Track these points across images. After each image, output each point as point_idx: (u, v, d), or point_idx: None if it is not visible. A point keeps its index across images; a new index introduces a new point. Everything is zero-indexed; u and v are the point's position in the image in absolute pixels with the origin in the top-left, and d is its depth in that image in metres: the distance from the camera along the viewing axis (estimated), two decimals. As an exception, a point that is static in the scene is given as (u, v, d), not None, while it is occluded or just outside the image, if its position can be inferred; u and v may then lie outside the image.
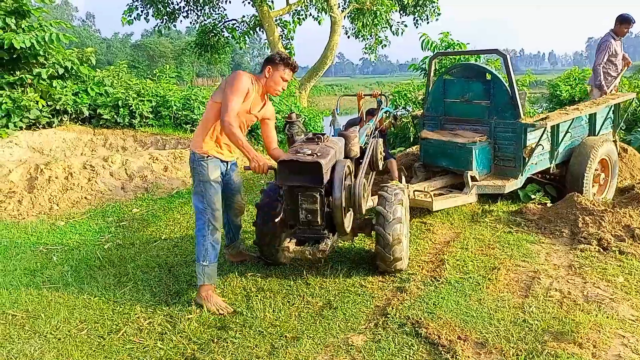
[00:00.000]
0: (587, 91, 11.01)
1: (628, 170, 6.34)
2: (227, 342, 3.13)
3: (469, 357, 2.83)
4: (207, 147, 3.53)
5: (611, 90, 6.97)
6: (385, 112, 5.47)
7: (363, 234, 4.23)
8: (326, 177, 3.30)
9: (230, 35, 17.67)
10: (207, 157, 3.52)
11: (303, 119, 11.31)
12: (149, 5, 15.43)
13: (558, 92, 15.80)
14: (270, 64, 3.53)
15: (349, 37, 16.67)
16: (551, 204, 5.24)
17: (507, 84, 5.05)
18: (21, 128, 8.69)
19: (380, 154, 4.34)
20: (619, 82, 7.28)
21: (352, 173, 3.76)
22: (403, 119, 8.50)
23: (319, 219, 3.36)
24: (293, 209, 3.40)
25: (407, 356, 2.88)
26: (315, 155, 3.30)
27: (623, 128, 9.43)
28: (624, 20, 6.62)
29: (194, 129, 9.90)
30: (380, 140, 4.36)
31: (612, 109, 6.03)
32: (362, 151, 4.17)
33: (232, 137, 3.37)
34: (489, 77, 5.29)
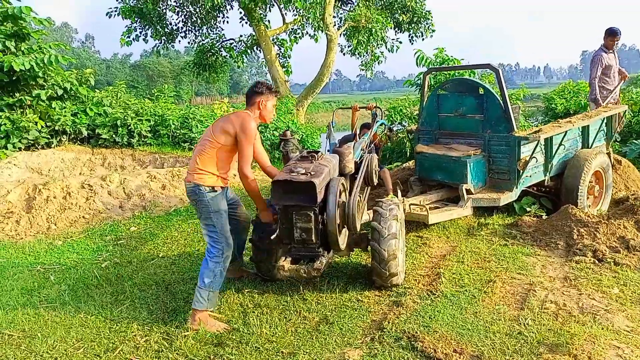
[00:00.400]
0: (584, 104, 11.15)
1: (623, 181, 6.38)
2: (223, 359, 3.14)
3: (464, 370, 2.83)
4: (213, 181, 3.57)
5: (608, 103, 7.07)
6: (381, 125, 5.52)
7: (359, 249, 4.25)
8: (320, 196, 3.32)
9: (228, 55, 17.87)
10: (215, 189, 3.58)
11: (300, 136, 11.39)
12: (147, 27, 15.61)
13: (553, 105, 15.96)
14: (261, 96, 3.65)
15: (344, 54, 16.86)
16: (546, 217, 5.27)
17: (499, 98, 5.12)
18: (20, 149, 8.75)
19: (375, 170, 4.37)
20: (619, 95, 7.40)
21: (346, 190, 3.79)
22: (399, 134, 8.56)
23: (313, 238, 3.37)
24: (288, 227, 3.42)
25: (403, 370, 2.89)
26: (309, 174, 3.33)
27: (618, 140, 9.54)
28: (610, 34, 6.84)
29: (192, 147, 9.98)
30: (375, 156, 4.40)
31: (605, 121, 6.09)
32: (357, 166, 4.21)
33: (249, 187, 3.59)
34: (481, 91, 5.36)
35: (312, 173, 3.35)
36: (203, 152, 3.57)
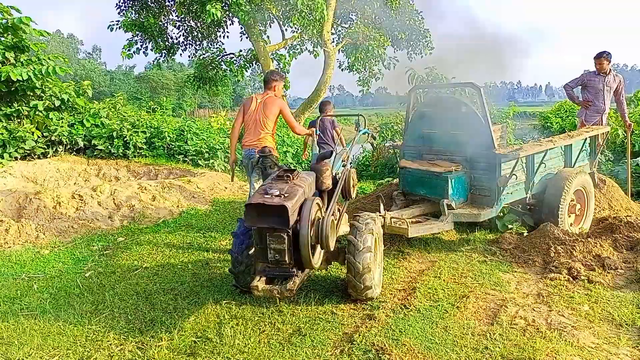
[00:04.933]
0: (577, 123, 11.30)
1: (606, 201, 6.43)
2: (194, 369, 3.19)
3: (427, 383, 2.87)
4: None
5: (596, 122, 7.15)
6: (364, 134, 5.58)
7: (337, 262, 4.30)
8: (293, 219, 3.36)
9: (228, 69, 18.09)
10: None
11: (295, 150, 11.53)
12: (148, 40, 15.84)
13: (549, 124, 16.07)
14: (275, 82, 5.28)
15: (342, 70, 17.03)
16: (527, 234, 5.32)
17: (481, 116, 5.20)
18: (16, 158, 8.90)
19: (353, 184, 4.44)
20: (606, 117, 7.48)
21: (321, 209, 3.84)
22: (389, 151, 8.65)
23: (287, 259, 3.42)
24: (262, 247, 3.48)
25: (367, 382, 2.93)
26: (282, 196, 3.38)
27: (611, 159, 9.59)
28: (595, 57, 6.96)
29: (187, 159, 10.12)
30: (353, 170, 4.47)
31: (588, 141, 6.17)
32: (336, 181, 4.28)
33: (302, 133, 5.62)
34: (464, 109, 5.45)
35: (286, 195, 3.40)
36: (267, 127, 5.07)
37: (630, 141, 7.69)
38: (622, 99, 7.14)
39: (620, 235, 4.97)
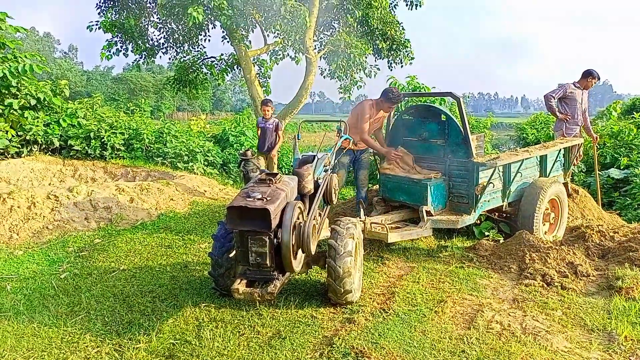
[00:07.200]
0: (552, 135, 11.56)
1: (579, 210, 6.62)
2: (172, 371, 3.17)
3: (405, 385, 2.91)
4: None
5: (575, 135, 7.34)
6: (345, 140, 5.62)
7: (318, 266, 4.32)
8: (275, 222, 3.37)
9: (209, 72, 17.99)
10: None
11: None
12: (128, 41, 15.64)
13: (524, 135, 16.44)
14: (379, 99, 5.80)
15: (324, 77, 17.10)
16: (503, 241, 5.44)
17: (460, 125, 5.32)
18: (-11, 157, 8.68)
19: (335, 189, 4.48)
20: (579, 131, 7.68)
21: (303, 212, 3.86)
22: (370, 157, 8.70)
23: (268, 262, 3.44)
24: (243, 250, 3.48)
25: (347, 384, 2.96)
26: (265, 199, 3.39)
27: (584, 170, 9.84)
28: (588, 74, 7.11)
29: (166, 162, 10.03)
30: (335, 176, 4.51)
31: (563, 152, 6.35)
32: (318, 185, 4.30)
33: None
34: (444, 118, 5.56)
35: (268, 198, 3.41)
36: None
37: (597, 153, 7.93)
38: (587, 115, 7.47)
39: (592, 243, 5.13)
